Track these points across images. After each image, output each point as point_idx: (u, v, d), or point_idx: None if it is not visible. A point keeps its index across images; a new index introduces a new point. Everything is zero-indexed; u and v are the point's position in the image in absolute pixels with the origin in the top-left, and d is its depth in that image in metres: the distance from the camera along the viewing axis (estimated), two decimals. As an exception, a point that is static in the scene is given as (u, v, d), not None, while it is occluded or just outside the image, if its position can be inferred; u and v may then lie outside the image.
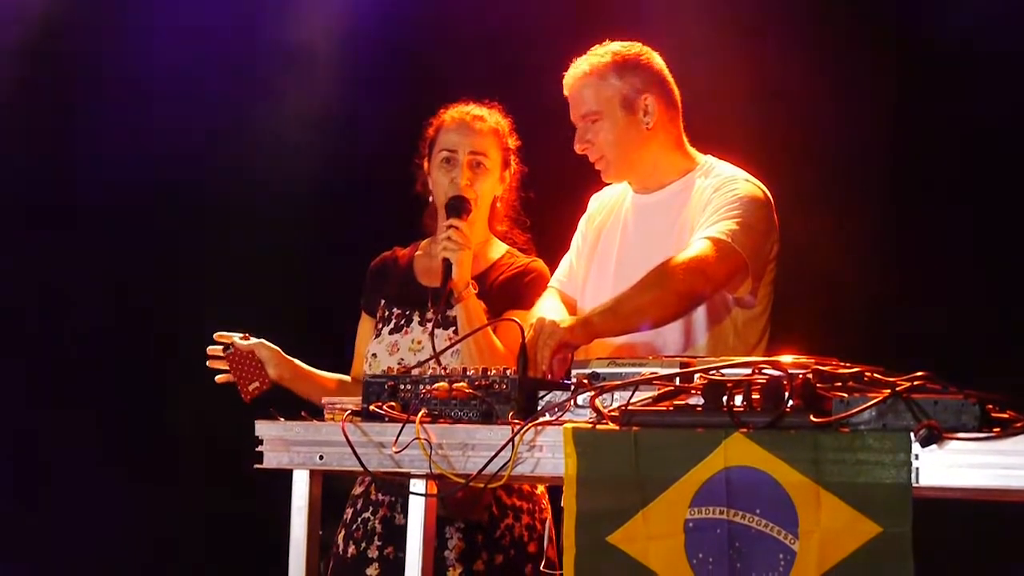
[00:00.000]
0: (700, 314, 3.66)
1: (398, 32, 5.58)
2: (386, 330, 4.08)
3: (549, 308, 3.75)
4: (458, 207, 3.93)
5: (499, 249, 4.12)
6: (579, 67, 3.77)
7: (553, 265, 4.02)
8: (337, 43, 5.62)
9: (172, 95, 5.64)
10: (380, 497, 4.00)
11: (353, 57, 5.64)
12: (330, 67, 5.63)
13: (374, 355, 4.05)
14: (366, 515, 4.01)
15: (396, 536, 3.93)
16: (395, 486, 3.67)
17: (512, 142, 4.11)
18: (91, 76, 5.68)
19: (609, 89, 3.72)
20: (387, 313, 4.11)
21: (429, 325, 3.98)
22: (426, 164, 4.11)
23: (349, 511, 4.06)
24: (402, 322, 4.06)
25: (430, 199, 4.10)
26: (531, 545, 3.98)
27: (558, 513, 3.65)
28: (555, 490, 3.81)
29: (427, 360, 3.30)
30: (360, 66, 5.62)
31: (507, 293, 4.01)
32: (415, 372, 3.10)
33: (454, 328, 3.92)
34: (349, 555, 3.99)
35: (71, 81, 5.72)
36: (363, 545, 3.99)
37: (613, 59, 3.74)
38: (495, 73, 5.13)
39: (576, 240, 3.98)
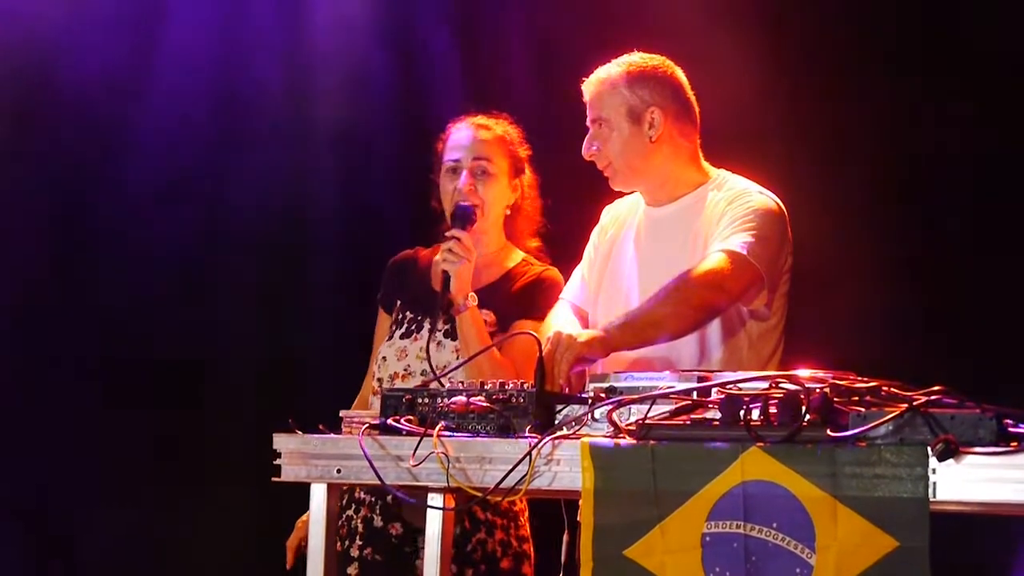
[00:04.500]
0: (715, 327, 3.66)
1: (416, 40, 5.60)
2: (398, 333, 4.10)
3: (563, 321, 3.76)
4: (462, 216, 3.95)
5: (515, 257, 4.14)
6: (597, 74, 3.82)
7: (567, 274, 4.03)
8: (360, 51, 5.64)
9: (185, 97, 5.67)
10: (363, 495, 4.04)
11: (374, 67, 5.65)
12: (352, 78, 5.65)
13: (383, 358, 4.08)
14: (350, 512, 4.05)
15: (375, 538, 4.00)
16: (378, 490, 3.70)
17: (523, 151, 4.13)
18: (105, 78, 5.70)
19: (616, 98, 3.76)
20: (401, 316, 4.13)
21: (438, 334, 3.99)
22: (438, 178, 4.14)
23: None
24: (412, 327, 4.08)
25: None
26: (504, 561, 3.99)
27: (551, 527, 3.68)
28: (544, 505, 3.83)
29: (431, 380, 3.29)
30: (379, 77, 5.64)
31: (521, 302, 4.03)
32: (432, 386, 3.11)
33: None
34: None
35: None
36: (346, 543, 4.03)
37: (627, 70, 3.78)
38: (515, 81, 5.17)
39: (588, 252, 3.99)
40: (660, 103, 3.77)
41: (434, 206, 4.16)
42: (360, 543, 4.00)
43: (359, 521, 4.02)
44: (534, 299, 4.03)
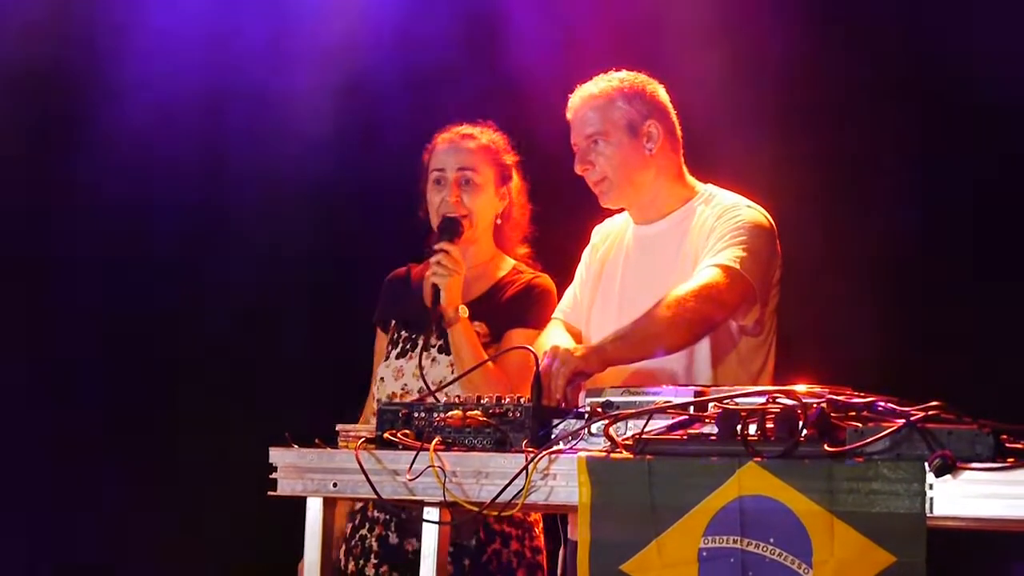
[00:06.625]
0: (705, 342, 3.67)
1: (410, 54, 5.61)
2: (394, 353, 4.11)
3: (557, 338, 3.76)
4: (449, 229, 3.96)
5: (506, 266, 4.14)
6: (585, 90, 3.83)
7: (559, 281, 4.04)
8: (355, 64, 5.64)
9: (187, 107, 5.66)
10: (376, 514, 4.04)
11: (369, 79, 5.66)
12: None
13: (382, 379, 4.09)
14: (363, 532, 4.05)
15: (391, 555, 4.00)
16: (393, 506, 3.71)
17: (509, 158, 4.14)
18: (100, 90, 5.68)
19: (616, 112, 3.78)
20: (396, 336, 4.14)
21: (432, 350, 4.00)
22: (424, 188, 4.14)
23: (348, 526, 4.10)
24: (407, 347, 4.09)
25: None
26: (519, 572, 3.99)
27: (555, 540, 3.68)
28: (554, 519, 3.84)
29: (427, 395, 3.30)
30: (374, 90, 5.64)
31: (511, 311, 4.04)
32: (428, 400, 3.11)
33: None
34: (349, 571, 4.04)
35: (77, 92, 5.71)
36: (361, 562, 4.03)
37: (620, 85, 3.81)
38: (507, 97, 5.18)
39: (580, 271, 4.01)
40: (656, 117, 3.80)
41: (420, 216, 4.17)
42: (375, 561, 4.00)
43: (373, 540, 4.02)
44: (525, 307, 4.04)
